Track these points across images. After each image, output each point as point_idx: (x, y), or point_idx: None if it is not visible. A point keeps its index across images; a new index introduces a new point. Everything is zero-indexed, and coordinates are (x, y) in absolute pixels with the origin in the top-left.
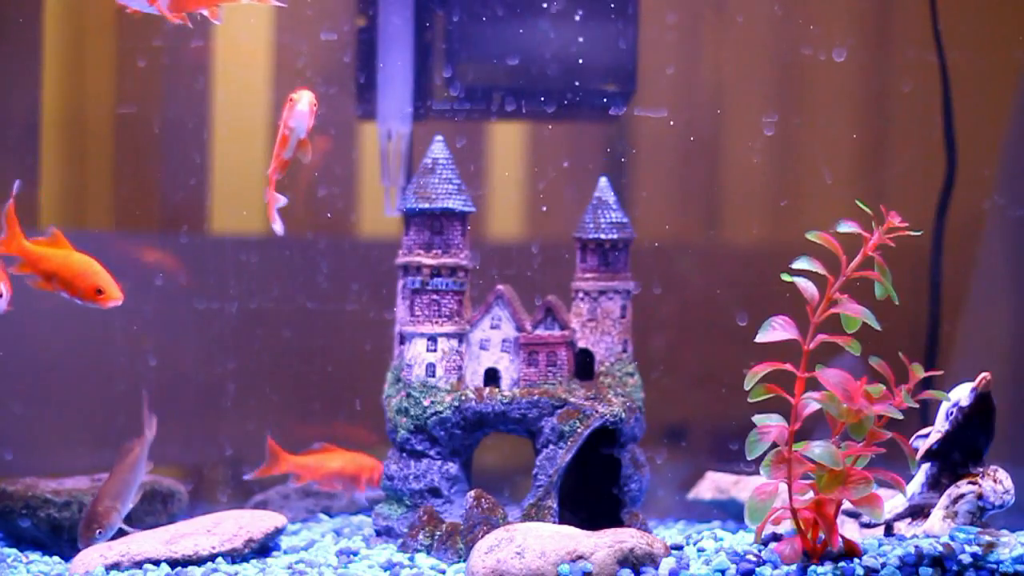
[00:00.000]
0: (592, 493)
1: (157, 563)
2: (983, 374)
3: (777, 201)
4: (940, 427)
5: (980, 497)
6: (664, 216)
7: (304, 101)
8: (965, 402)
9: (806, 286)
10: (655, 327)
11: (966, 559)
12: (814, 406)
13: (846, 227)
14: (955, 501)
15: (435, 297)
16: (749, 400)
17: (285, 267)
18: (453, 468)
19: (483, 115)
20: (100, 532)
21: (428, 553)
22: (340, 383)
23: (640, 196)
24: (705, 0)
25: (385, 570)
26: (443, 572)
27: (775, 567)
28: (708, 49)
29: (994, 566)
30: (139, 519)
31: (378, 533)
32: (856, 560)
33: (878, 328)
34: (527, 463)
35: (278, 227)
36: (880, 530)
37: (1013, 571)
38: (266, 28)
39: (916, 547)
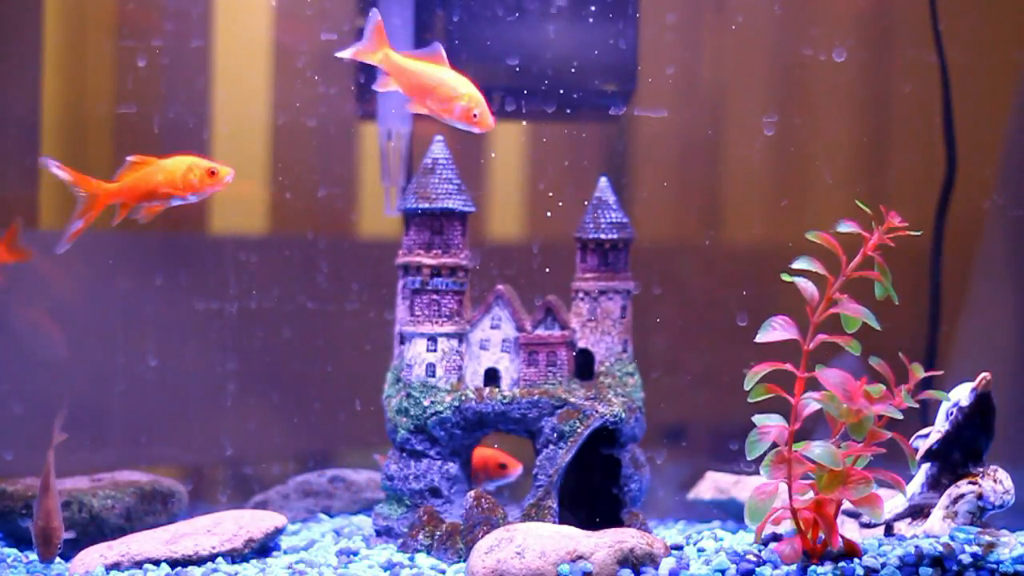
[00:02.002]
0: (592, 493)
1: (157, 563)
2: (983, 374)
3: (777, 201)
4: (940, 427)
5: (980, 497)
6: (664, 216)
7: (485, 128)
8: (965, 402)
9: (806, 286)
10: (655, 327)
11: (966, 559)
12: (814, 406)
13: (846, 227)
14: (955, 501)
15: (435, 297)
16: (749, 400)
17: (285, 267)
18: (453, 468)
19: None
20: (59, 548)
21: (428, 553)
22: (340, 383)
23: (640, 196)
24: (705, 0)
25: (385, 570)
26: (443, 572)
27: (775, 567)
28: (708, 49)
29: (994, 566)
30: (139, 519)
31: (378, 533)
32: (856, 560)
33: (878, 328)
34: (527, 463)
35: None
36: (880, 530)
37: (1013, 571)
38: (266, 28)
39: (916, 547)
